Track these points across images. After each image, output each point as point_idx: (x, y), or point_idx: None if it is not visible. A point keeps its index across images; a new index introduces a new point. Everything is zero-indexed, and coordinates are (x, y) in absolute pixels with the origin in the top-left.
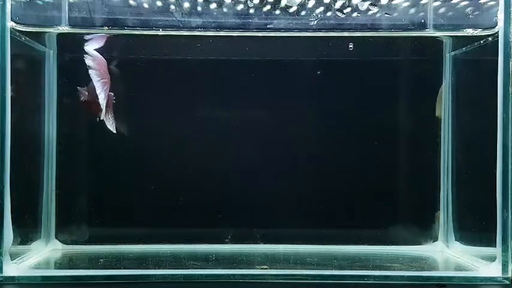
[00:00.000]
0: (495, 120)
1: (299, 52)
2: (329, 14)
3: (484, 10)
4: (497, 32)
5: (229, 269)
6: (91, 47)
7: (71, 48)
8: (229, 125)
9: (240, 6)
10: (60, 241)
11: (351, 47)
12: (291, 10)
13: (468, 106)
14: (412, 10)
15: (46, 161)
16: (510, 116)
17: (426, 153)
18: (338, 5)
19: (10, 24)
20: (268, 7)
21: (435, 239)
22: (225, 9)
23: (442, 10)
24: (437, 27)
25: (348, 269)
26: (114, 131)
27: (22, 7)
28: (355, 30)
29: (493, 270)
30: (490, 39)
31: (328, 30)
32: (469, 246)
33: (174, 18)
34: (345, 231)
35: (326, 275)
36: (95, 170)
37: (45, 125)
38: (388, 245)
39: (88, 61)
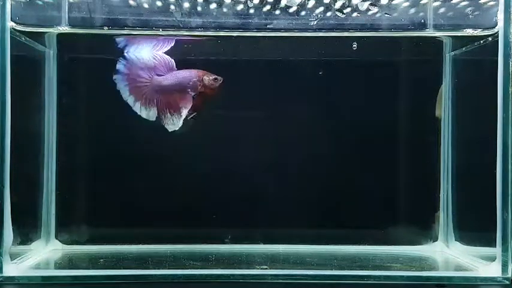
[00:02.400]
0: (495, 120)
1: (299, 51)
2: (329, 14)
3: (484, 10)
4: (497, 32)
5: (229, 269)
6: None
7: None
8: (230, 125)
9: (240, 7)
10: (60, 241)
11: (354, 47)
12: (291, 10)
13: (468, 106)
14: (412, 10)
15: (46, 161)
16: (510, 116)
17: (426, 153)
18: (338, 5)
19: (10, 24)
20: (268, 7)
21: (435, 239)
22: (225, 9)
23: (442, 10)
24: (437, 27)
25: (348, 269)
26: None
27: (22, 7)
28: (355, 30)
29: (493, 270)
30: (490, 39)
31: (328, 30)
32: (469, 246)
33: (174, 18)
34: (344, 231)
35: (326, 275)
36: (95, 170)
37: (45, 125)
38: (388, 245)
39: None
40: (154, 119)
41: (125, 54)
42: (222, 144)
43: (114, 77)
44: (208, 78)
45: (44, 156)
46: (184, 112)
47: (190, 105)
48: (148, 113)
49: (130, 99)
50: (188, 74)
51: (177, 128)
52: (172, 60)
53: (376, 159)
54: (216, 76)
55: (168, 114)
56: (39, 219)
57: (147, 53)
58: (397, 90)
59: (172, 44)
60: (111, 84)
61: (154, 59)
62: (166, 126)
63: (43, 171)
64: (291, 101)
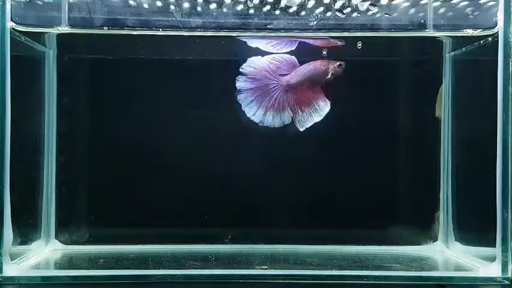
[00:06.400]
0: (495, 120)
1: (299, 51)
2: (329, 14)
3: (484, 10)
4: (497, 32)
5: (229, 269)
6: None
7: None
8: (229, 125)
9: (240, 7)
10: (60, 241)
11: (359, 46)
12: (291, 10)
13: (468, 106)
14: (412, 10)
15: (46, 161)
16: (510, 116)
17: (426, 153)
18: (338, 5)
19: (10, 24)
20: (268, 7)
21: (435, 239)
22: (224, 10)
23: (441, 10)
24: (437, 28)
25: (348, 269)
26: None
27: (22, 7)
28: (355, 30)
29: (493, 270)
30: (489, 39)
31: (328, 31)
32: (469, 247)
33: (174, 19)
34: (344, 231)
35: (326, 275)
36: (95, 169)
37: (45, 125)
38: (388, 245)
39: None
40: (289, 121)
41: (241, 69)
42: (223, 144)
43: (238, 97)
44: (333, 66)
45: (44, 156)
46: (318, 105)
47: (323, 97)
48: (281, 119)
49: (259, 113)
50: (313, 67)
51: (309, 125)
52: (293, 57)
53: (376, 159)
54: (340, 62)
55: (300, 111)
56: (39, 219)
57: (263, 58)
58: (397, 90)
59: (294, 48)
60: (110, 84)
61: (275, 59)
62: (298, 125)
63: (43, 171)
64: None
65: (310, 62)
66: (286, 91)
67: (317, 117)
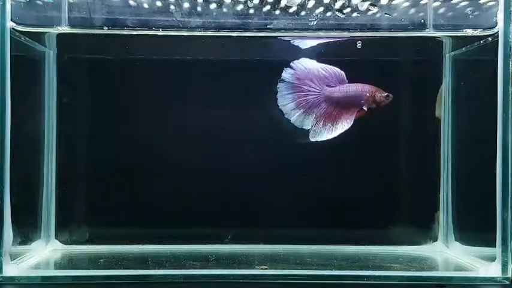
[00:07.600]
0: (495, 120)
1: (298, 51)
2: (329, 14)
3: (484, 10)
4: (497, 32)
5: (229, 269)
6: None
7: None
8: (229, 125)
9: (240, 7)
10: (60, 241)
11: (359, 45)
12: (291, 10)
13: (468, 106)
14: (412, 10)
15: (46, 161)
16: (510, 116)
17: (426, 153)
18: (338, 5)
19: (10, 24)
20: (268, 7)
21: (435, 239)
22: (224, 10)
23: (441, 10)
24: (437, 28)
25: (348, 269)
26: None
27: (22, 7)
28: (355, 30)
29: (493, 270)
30: (490, 39)
31: (328, 30)
32: (468, 247)
33: (174, 19)
34: (345, 231)
35: (326, 275)
36: (95, 169)
37: (45, 125)
38: (388, 245)
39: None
40: (307, 127)
41: (291, 64)
42: (223, 144)
43: (279, 85)
44: (380, 95)
45: (44, 156)
46: (342, 125)
47: (351, 121)
48: (303, 121)
49: (289, 106)
50: (361, 89)
51: (321, 139)
52: (343, 72)
53: (376, 159)
54: (388, 93)
55: (321, 124)
56: (39, 219)
57: (315, 63)
58: (397, 90)
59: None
60: (110, 84)
61: (324, 70)
62: (312, 134)
63: (43, 171)
64: None
65: (359, 84)
66: (324, 101)
67: (331, 135)
